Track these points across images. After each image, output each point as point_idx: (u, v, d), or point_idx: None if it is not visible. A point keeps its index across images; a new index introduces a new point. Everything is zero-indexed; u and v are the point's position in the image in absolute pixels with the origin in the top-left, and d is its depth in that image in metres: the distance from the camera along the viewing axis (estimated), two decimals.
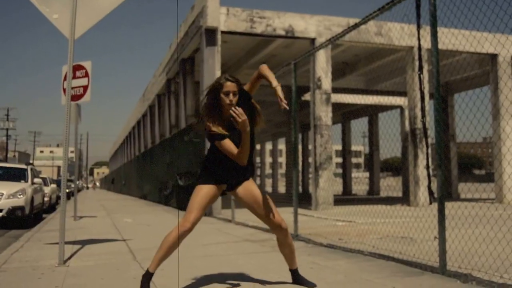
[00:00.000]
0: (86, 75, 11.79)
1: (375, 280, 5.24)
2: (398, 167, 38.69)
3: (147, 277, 4.72)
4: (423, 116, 6.94)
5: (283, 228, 4.79)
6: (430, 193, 6.09)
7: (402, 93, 26.54)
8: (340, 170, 43.79)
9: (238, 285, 5.14)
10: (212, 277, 5.58)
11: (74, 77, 11.75)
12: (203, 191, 4.75)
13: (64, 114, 7.08)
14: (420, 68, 7.20)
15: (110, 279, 5.62)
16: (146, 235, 10.48)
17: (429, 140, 17.37)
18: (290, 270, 5.07)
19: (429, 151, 6.90)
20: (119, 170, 63.23)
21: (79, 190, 63.10)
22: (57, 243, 6.98)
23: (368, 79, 29.78)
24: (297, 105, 9.74)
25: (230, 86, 4.65)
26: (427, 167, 6.48)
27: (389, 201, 23.38)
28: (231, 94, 4.62)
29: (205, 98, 4.79)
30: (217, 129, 4.62)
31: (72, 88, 11.81)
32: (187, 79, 24.38)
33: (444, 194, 5.47)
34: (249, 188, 4.81)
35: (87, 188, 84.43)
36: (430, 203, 6.08)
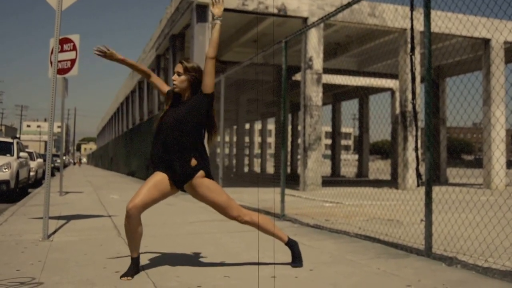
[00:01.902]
0: (74, 48, 11.69)
1: (360, 261, 5.27)
2: (388, 150, 38.84)
3: (133, 261, 4.68)
4: (414, 98, 6.95)
5: (241, 221, 4.83)
6: (418, 175, 6.12)
7: (394, 76, 26.56)
8: (329, 152, 43.87)
9: (221, 263, 5.15)
10: (196, 255, 5.59)
11: (62, 50, 11.65)
12: (153, 179, 4.67)
13: (50, 88, 7.02)
14: (412, 49, 7.18)
15: (93, 254, 5.62)
16: None
17: (419, 123, 17.45)
18: (286, 244, 5.04)
19: (419, 133, 6.91)
20: (107, 147, 63.06)
21: (66, 166, 62.92)
22: (41, 218, 6.96)
23: (360, 60, 29.76)
24: (288, 85, 9.71)
25: (177, 66, 4.81)
26: (416, 149, 6.50)
27: (378, 183, 23.48)
28: (175, 74, 4.77)
29: None
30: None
31: (59, 61, 11.74)
32: (177, 55, 24.27)
33: (432, 177, 5.49)
34: (194, 185, 4.69)
35: (74, 163, 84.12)
36: (418, 185, 6.11)
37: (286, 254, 5.19)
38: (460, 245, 5.80)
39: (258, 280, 4.40)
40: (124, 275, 4.54)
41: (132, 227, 4.57)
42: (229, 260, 5.29)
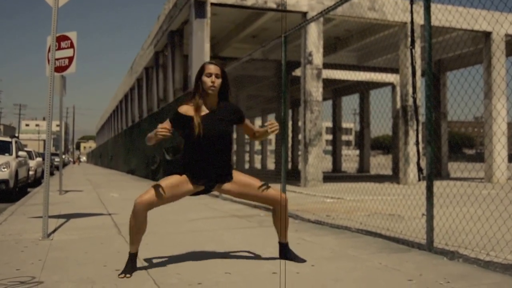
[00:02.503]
0: (72, 46, 11.70)
1: (361, 256, 5.28)
2: (389, 145, 38.83)
3: (131, 258, 4.71)
4: (414, 91, 6.94)
5: (281, 199, 4.82)
6: (419, 169, 6.12)
7: (394, 70, 26.54)
8: (330, 147, 43.88)
9: (222, 260, 5.16)
10: (197, 252, 5.61)
11: (59, 48, 11.66)
12: (170, 180, 4.69)
13: (48, 86, 7.02)
14: (412, 42, 7.18)
15: (94, 253, 5.63)
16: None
17: (420, 117, 17.45)
18: (280, 242, 5.07)
19: (419, 127, 6.91)
20: (106, 145, 63.06)
21: (65, 165, 62.94)
22: (41, 217, 6.97)
23: (360, 55, 29.75)
24: (287, 80, 9.71)
25: (212, 68, 4.68)
26: (417, 143, 6.50)
27: (379, 178, 23.49)
28: (213, 76, 4.65)
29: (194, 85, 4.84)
30: (187, 110, 4.71)
31: (57, 59, 11.75)
32: (176, 52, 24.26)
33: (433, 171, 5.50)
34: (235, 178, 4.79)
35: (73, 162, 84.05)
36: (419, 179, 6.11)
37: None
38: (462, 239, 5.81)
39: (259, 277, 4.41)
40: (123, 272, 4.55)
41: (137, 222, 4.69)
42: (230, 257, 5.30)
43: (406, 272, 4.55)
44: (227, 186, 4.77)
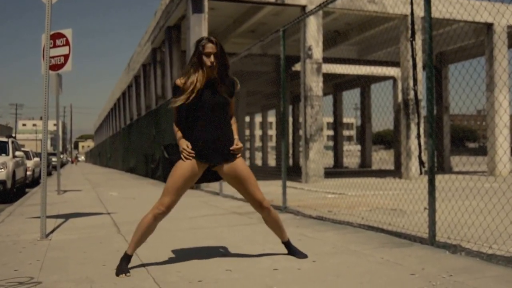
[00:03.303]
0: (67, 43, 11.66)
1: (363, 251, 5.30)
2: (391, 140, 38.84)
3: (126, 259, 4.72)
4: (415, 84, 6.96)
5: (264, 207, 4.86)
6: (421, 163, 6.13)
7: (396, 64, 26.53)
8: (331, 143, 43.87)
9: (223, 257, 5.17)
10: (197, 250, 5.63)
11: (54, 45, 11.63)
12: (180, 172, 4.73)
13: (43, 84, 7.01)
14: (413, 34, 7.19)
15: (93, 252, 5.64)
16: (131, 209, 10.51)
17: (421, 110, 17.43)
18: (282, 242, 5.18)
19: (421, 120, 6.92)
20: (105, 143, 63.05)
21: (63, 164, 62.98)
22: (39, 217, 6.98)
23: (361, 48, 29.71)
24: (287, 75, 9.71)
25: (210, 47, 4.68)
26: (418, 136, 6.52)
27: (381, 174, 23.51)
28: (212, 56, 4.67)
29: (190, 61, 4.81)
30: (186, 84, 4.71)
31: (52, 57, 11.73)
32: (173, 48, 24.22)
33: (435, 164, 5.51)
34: (234, 164, 4.81)
35: (72, 162, 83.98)
36: (421, 173, 6.13)
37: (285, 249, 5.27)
38: (464, 233, 5.83)
39: (259, 273, 4.42)
40: (121, 272, 4.56)
41: (154, 227, 4.79)
42: (230, 254, 5.32)
43: (409, 267, 4.56)
44: (227, 167, 4.79)
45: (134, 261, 5.05)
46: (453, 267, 4.51)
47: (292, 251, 5.13)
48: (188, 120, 4.77)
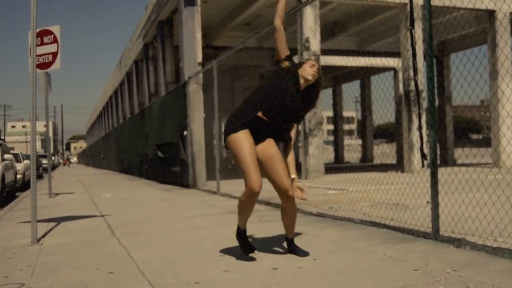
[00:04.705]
0: (55, 40, 11.63)
1: (365, 248, 5.31)
2: (392, 133, 38.82)
3: (242, 234, 5.11)
4: (415, 74, 6.94)
5: (289, 196, 4.91)
6: (423, 155, 6.13)
7: (396, 54, 26.50)
8: (331, 138, 43.87)
9: (220, 257, 5.18)
10: (194, 250, 5.63)
11: (42, 43, 11.60)
12: (247, 146, 4.81)
13: (30, 84, 6.98)
14: (412, 22, 7.17)
15: (86, 256, 5.64)
16: (126, 210, 10.52)
17: (422, 101, 17.40)
18: (286, 239, 5.24)
19: (422, 111, 6.92)
20: (97, 144, 62.94)
21: (55, 167, 62.84)
22: (30, 222, 6.97)
23: (360, 39, 29.70)
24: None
25: (316, 64, 5.09)
26: (419, 128, 6.51)
27: (383, 168, 23.49)
28: (315, 67, 5.02)
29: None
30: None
31: (40, 55, 11.69)
32: (166, 43, 24.20)
33: (437, 156, 5.51)
34: (267, 146, 4.93)
35: (64, 164, 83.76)
36: (423, 166, 6.13)
37: (285, 246, 5.30)
38: (468, 226, 5.83)
39: (259, 273, 4.43)
40: (249, 251, 4.99)
41: (254, 203, 4.95)
42: (228, 254, 5.32)
43: (412, 262, 4.57)
44: (262, 145, 4.92)
45: (129, 263, 5.07)
46: (457, 261, 4.53)
47: (293, 249, 5.16)
48: (259, 99, 4.97)
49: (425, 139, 6.30)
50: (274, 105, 4.85)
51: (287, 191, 4.87)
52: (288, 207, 5.00)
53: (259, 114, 4.86)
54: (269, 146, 4.91)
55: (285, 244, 5.38)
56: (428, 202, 5.72)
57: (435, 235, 5.42)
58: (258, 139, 4.89)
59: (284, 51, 5.16)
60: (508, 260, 4.48)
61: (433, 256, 4.76)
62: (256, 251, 4.95)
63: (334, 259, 4.88)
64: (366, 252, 5.11)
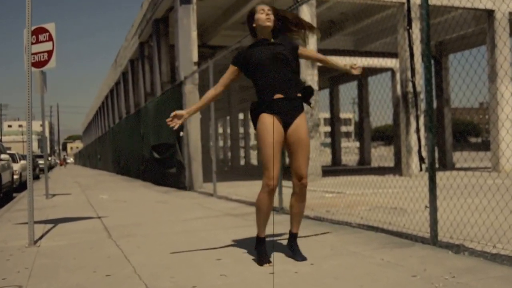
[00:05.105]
0: (50, 38, 11.58)
1: (363, 253, 5.32)
2: (390, 136, 38.80)
3: (261, 243, 5.04)
4: (413, 75, 6.93)
5: (303, 183, 5.00)
6: (420, 158, 6.13)
7: (393, 55, 26.48)
8: (329, 140, 43.84)
9: (218, 261, 5.18)
10: (191, 254, 5.63)
11: (37, 41, 11.55)
12: (271, 138, 4.84)
13: (25, 83, 6.96)
14: (409, 22, 7.17)
15: (83, 259, 5.65)
16: (122, 212, 10.53)
17: (420, 103, 17.39)
18: (290, 233, 5.29)
19: (419, 113, 6.91)
20: (94, 144, 62.87)
21: (52, 167, 62.79)
22: (27, 223, 6.97)
23: (357, 39, 29.65)
24: None
25: (263, 6, 5.05)
26: (417, 130, 6.51)
27: (381, 171, 23.50)
28: (265, 9, 5.00)
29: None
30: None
31: (35, 53, 11.66)
32: (161, 41, 24.12)
33: (435, 160, 5.51)
34: (298, 128, 4.95)
35: (60, 164, 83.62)
36: (421, 169, 6.13)
37: (282, 250, 5.36)
38: (467, 232, 5.82)
39: (256, 277, 4.44)
40: (264, 262, 4.87)
41: (271, 203, 4.93)
42: (225, 258, 5.32)
43: (410, 268, 4.58)
44: (293, 126, 4.93)
45: (126, 267, 5.08)
46: (456, 267, 4.53)
47: (293, 249, 5.19)
48: (257, 81, 5.06)
49: (423, 142, 6.29)
50: (272, 79, 4.91)
51: (302, 178, 4.97)
52: (298, 196, 5.08)
53: (274, 96, 4.90)
54: (299, 128, 4.94)
55: (281, 248, 5.42)
56: (426, 206, 5.73)
57: (433, 240, 5.42)
58: (288, 118, 4.92)
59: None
60: (507, 267, 4.48)
61: (432, 262, 4.77)
62: (271, 263, 4.88)
63: (331, 264, 4.89)
64: (364, 257, 5.12)
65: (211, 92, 5.18)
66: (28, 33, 7.08)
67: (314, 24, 18.47)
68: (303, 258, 5.05)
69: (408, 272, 4.44)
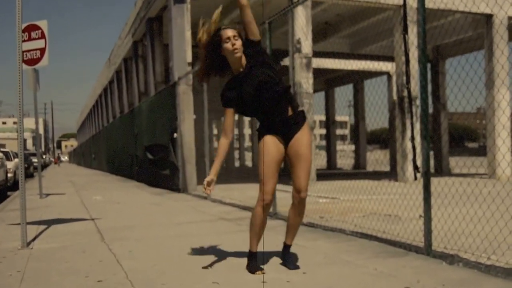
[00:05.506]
0: (43, 36, 11.53)
1: (356, 262, 5.31)
2: (386, 139, 38.81)
3: (253, 257, 5.04)
4: (408, 81, 6.91)
5: (301, 197, 4.95)
6: (415, 167, 6.12)
7: (390, 58, 26.43)
8: (324, 143, 43.81)
9: (210, 268, 5.18)
10: (183, 260, 5.63)
11: (29, 38, 11.49)
12: (270, 156, 4.86)
13: (16, 80, 6.93)
14: (405, 28, 7.15)
15: (76, 263, 5.64)
16: (116, 214, 10.52)
17: (415, 109, 17.36)
18: (284, 244, 5.28)
19: (414, 120, 6.90)
20: (88, 143, 62.74)
21: (46, 165, 62.61)
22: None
23: (353, 42, 29.57)
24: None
25: (228, 32, 4.83)
26: (412, 139, 6.49)
27: (376, 176, 23.52)
28: (231, 39, 4.79)
29: (203, 56, 5.00)
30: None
31: (28, 51, 11.60)
32: (155, 41, 24.05)
33: (430, 169, 5.48)
34: (299, 143, 4.91)
35: (55, 163, 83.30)
36: (415, 178, 6.12)
37: (275, 258, 5.37)
38: (462, 242, 5.79)
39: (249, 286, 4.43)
40: (256, 270, 4.89)
41: (265, 217, 4.96)
42: (218, 264, 5.32)
43: (403, 279, 4.57)
44: (294, 142, 4.91)
45: (118, 272, 5.08)
46: (450, 279, 4.53)
47: (286, 258, 5.19)
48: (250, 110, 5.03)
49: (418, 150, 6.27)
50: (263, 106, 4.88)
51: (300, 192, 4.93)
52: (297, 208, 5.05)
53: (271, 121, 4.91)
54: (298, 142, 4.90)
55: (274, 255, 5.43)
56: (420, 216, 5.72)
57: (427, 250, 5.42)
58: (289, 134, 4.92)
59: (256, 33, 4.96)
60: (501, 279, 4.47)
61: (425, 273, 4.76)
62: (264, 271, 4.89)
63: (324, 273, 4.88)
64: (357, 266, 5.12)
65: (224, 142, 5.00)
66: (18, 29, 7.00)
67: (310, 27, 18.45)
68: (296, 267, 5.05)
69: (401, 284, 4.42)
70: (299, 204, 5.01)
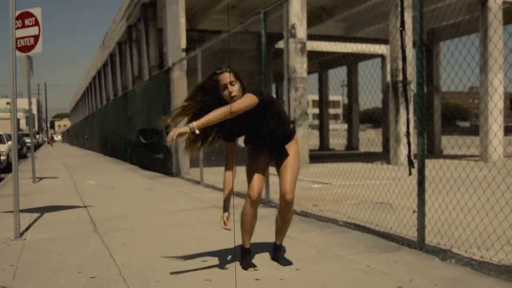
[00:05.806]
0: (36, 23, 11.52)
1: (349, 257, 5.30)
2: (379, 119, 38.82)
3: (246, 253, 5.09)
4: (404, 78, 6.86)
5: (287, 200, 4.92)
6: (410, 163, 6.08)
7: (384, 41, 26.31)
8: (316, 122, 43.80)
9: (203, 263, 5.17)
10: (176, 253, 5.60)
11: (23, 26, 11.47)
12: (255, 165, 5.00)
13: (10, 67, 6.88)
14: (402, 23, 7.10)
15: (69, 256, 5.63)
16: (109, 200, 10.51)
17: (410, 96, 17.27)
18: (274, 244, 5.29)
19: (410, 116, 6.83)
20: (82, 124, 62.56)
21: (39, 145, 62.40)
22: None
23: (348, 25, 29.49)
24: (270, 54, 9.58)
25: (224, 79, 4.71)
26: (407, 134, 6.43)
27: (369, 157, 23.48)
28: (228, 86, 4.69)
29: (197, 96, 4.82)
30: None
31: (21, 38, 11.57)
32: (149, 26, 23.98)
33: (424, 165, 5.45)
34: (286, 157, 5.00)
35: (48, 143, 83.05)
36: (410, 174, 6.09)
37: (268, 251, 5.41)
38: (452, 233, 5.71)
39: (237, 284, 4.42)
40: (249, 266, 4.94)
41: (255, 213, 4.97)
42: (211, 259, 5.30)
43: (396, 276, 4.56)
44: (280, 156, 5.04)
45: (111, 267, 5.07)
46: (442, 277, 4.52)
47: (277, 256, 5.19)
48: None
49: (412, 146, 6.20)
50: (257, 139, 5.01)
51: (285, 194, 4.90)
52: (283, 211, 5.03)
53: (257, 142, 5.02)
54: (287, 158, 4.98)
55: (266, 248, 5.45)
56: (414, 211, 5.68)
57: (420, 245, 5.40)
58: (277, 151, 5.05)
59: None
60: (494, 278, 4.45)
61: (418, 270, 4.74)
62: (256, 267, 4.91)
63: (317, 269, 4.88)
64: (350, 262, 5.10)
65: (228, 174, 4.99)
66: (12, 17, 6.93)
67: (305, 12, 18.33)
68: (288, 262, 5.05)
69: (394, 282, 4.41)
70: (284, 205, 4.97)
